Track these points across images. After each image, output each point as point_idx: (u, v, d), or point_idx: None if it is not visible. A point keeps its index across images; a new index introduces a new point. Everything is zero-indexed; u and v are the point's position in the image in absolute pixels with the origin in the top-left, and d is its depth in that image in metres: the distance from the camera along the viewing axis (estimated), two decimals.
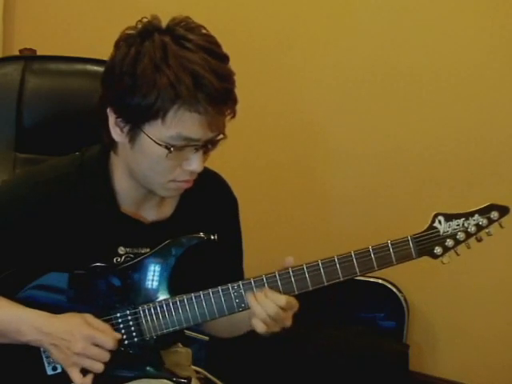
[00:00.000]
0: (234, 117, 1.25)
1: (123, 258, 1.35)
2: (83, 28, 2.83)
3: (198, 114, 1.18)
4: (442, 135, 2.47)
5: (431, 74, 2.45)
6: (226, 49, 1.25)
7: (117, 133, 1.26)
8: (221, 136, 1.25)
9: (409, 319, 2.50)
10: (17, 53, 2.63)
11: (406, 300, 2.50)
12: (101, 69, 1.69)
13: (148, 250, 1.36)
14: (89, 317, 1.29)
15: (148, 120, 1.20)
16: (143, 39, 1.20)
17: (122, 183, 1.34)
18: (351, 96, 2.58)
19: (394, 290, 2.49)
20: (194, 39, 1.20)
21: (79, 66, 1.76)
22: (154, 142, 1.21)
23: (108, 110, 1.25)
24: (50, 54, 1.81)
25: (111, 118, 1.25)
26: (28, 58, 1.82)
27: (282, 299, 1.26)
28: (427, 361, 2.61)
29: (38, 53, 2.48)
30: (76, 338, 1.25)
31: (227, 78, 1.21)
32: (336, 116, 2.61)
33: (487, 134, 2.41)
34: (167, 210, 1.41)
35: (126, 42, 1.22)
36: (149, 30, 1.21)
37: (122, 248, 1.36)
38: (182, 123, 1.19)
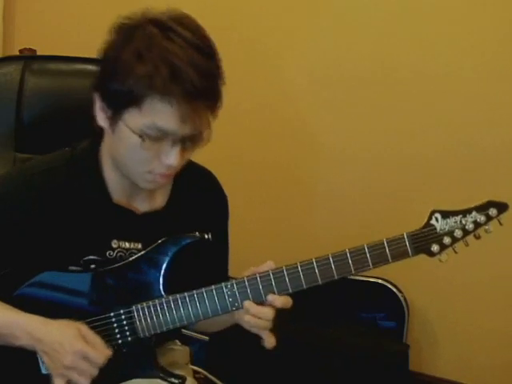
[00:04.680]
0: (214, 116, 1.25)
1: (116, 252, 1.36)
2: (83, 28, 2.84)
3: (170, 105, 1.19)
4: (437, 133, 2.48)
5: (427, 71, 2.45)
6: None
7: (101, 118, 1.27)
8: (201, 135, 1.25)
9: (409, 319, 2.50)
10: (17, 53, 2.64)
11: (406, 300, 2.50)
12: None
13: (140, 243, 1.36)
14: (83, 328, 1.28)
15: (127, 107, 1.21)
16: (133, 29, 1.22)
17: (110, 173, 1.35)
18: (343, 94, 2.58)
19: (394, 290, 2.49)
20: (182, 33, 1.20)
21: (79, 66, 1.76)
22: (130, 129, 1.22)
23: (95, 95, 1.27)
24: (49, 54, 1.81)
25: (97, 103, 1.27)
26: (28, 57, 1.82)
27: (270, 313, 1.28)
28: (427, 361, 2.61)
29: (38, 53, 2.48)
30: (66, 351, 1.24)
31: (210, 76, 1.21)
32: (328, 114, 2.62)
33: (485, 132, 2.41)
34: (159, 201, 1.41)
35: (116, 30, 1.24)
36: (140, 21, 1.23)
37: (115, 241, 1.36)
38: (156, 113, 1.20)
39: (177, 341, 1.57)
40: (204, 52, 1.21)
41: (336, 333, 2.42)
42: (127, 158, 1.27)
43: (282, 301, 1.27)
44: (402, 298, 2.49)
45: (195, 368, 1.87)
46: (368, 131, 2.57)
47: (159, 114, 1.20)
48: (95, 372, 1.26)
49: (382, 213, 2.56)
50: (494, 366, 2.51)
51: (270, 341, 1.30)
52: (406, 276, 2.36)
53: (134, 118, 1.21)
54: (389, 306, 2.50)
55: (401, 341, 2.47)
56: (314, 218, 2.70)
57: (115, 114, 1.23)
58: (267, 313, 1.28)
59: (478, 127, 2.42)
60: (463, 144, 2.43)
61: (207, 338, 2.39)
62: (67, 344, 1.25)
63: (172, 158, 1.24)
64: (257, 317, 1.27)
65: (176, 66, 1.17)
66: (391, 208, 2.55)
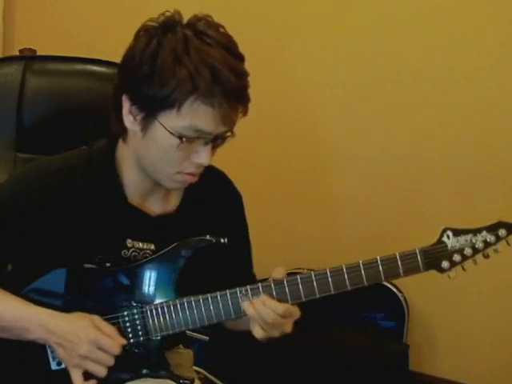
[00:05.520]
0: (245, 115, 1.27)
1: (130, 251, 1.36)
2: (83, 28, 2.83)
3: (212, 107, 1.20)
4: (449, 138, 2.48)
5: (435, 78, 2.46)
6: None
7: (129, 121, 1.27)
8: (229, 133, 1.27)
9: (409, 319, 2.50)
10: (17, 53, 2.63)
11: (406, 300, 2.50)
12: (101, 69, 1.71)
13: (153, 245, 1.37)
14: (97, 319, 1.29)
15: (163, 109, 1.22)
16: (165, 31, 1.22)
17: (129, 174, 1.35)
18: (357, 98, 2.58)
19: (394, 290, 2.49)
20: (214, 35, 1.23)
21: (79, 66, 1.75)
22: (168, 131, 1.22)
23: (123, 98, 1.26)
24: (49, 54, 1.81)
25: (126, 105, 1.26)
26: (28, 58, 1.82)
27: (280, 307, 1.26)
28: (427, 361, 2.61)
29: (38, 53, 2.48)
30: (82, 340, 1.25)
31: (243, 76, 1.24)
32: (341, 118, 2.62)
33: (494, 138, 2.41)
34: (173, 202, 1.41)
35: (147, 32, 1.24)
36: (171, 23, 1.24)
37: (129, 241, 1.36)
38: (197, 115, 1.21)
39: (180, 345, 1.57)
40: (235, 54, 1.24)
41: (336, 333, 2.42)
42: (158, 159, 1.28)
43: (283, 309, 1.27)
44: (401, 298, 2.49)
45: (196, 368, 1.86)
46: (382, 138, 2.57)
47: (200, 115, 1.21)
48: (111, 361, 1.27)
49: (391, 218, 2.56)
50: (494, 366, 2.51)
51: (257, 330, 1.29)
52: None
53: (171, 120, 1.22)
54: (389, 306, 2.50)
55: (401, 341, 2.47)
56: (324, 225, 2.69)
57: (149, 117, 1.24)
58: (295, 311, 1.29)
59: (487, 134, 2.42)
60: (471, 151, 2.44)
61: (207, 337, 2.40)
62: (82, 333, 1.26)
63: (204, 157, 1.26)
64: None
65: (215, 67, 1.19)
66: (401, 213, 2.55)
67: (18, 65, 1.71)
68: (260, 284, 1.29)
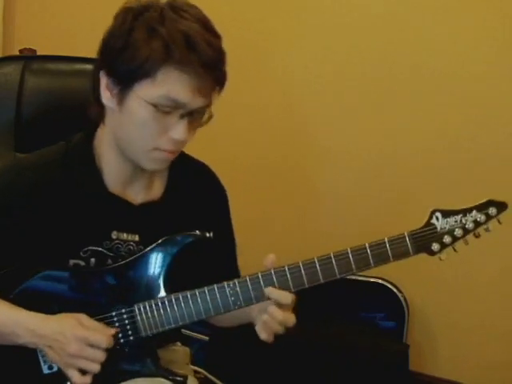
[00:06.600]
0: (220, 92, 1.27)
1: (113, 243, 1.36)
2: (83, 28, 2.83)
3: (187, 75, 1.20)
4: (437, 132, 2.48)
5: (426, 71, 2.46)
6: None
7: (106, 97, 1.27)
8: (207, 110, 1.27)
9: (409, 319, 2.50)
10: (17, 53, 2.63)
11: (406, 300, 2.50)
12: None
13: (137, 235, 1.37)
14: (83, 317, 1.28)
15: (139, 79, 1.22)
16: (141, 10, 1.24)
17: (108, 161, 1.34)
18: (343, 94, 2.58)
19: (394, 290, 2.49)
20: (191, 12, 1.24)
21: (79, 66, 1.75)
22: (143, 100, 1.22)
23: (101, 74, 1.27)
24: (49, 54, 1.81)
25: (103, 81, 1.27)
26: (28, 57, 1.82)
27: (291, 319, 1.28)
28: (427, 361, 2.61)
29: (38, 53, 2.48)
30: (69, 339, 1.25)
31: (220, 52, 1.24)
32: (327, 114, 2.62)
33: (484, 132, 2.41)
34: (156, 191, 1.41)
35: (125, 12, 1.26)
36: (150, 4, 1.25)
37: (115, 232, 1.36)
38: (172, 83, 1.21)
39: (178, 342, 1.57)
40: (211, 30, 1.24)
41: (336, 333, 2.42)
42: (134, 134, 1.27)
43: (277, 294, 1.27)
44: (401, 298, 2.49)
45: (195, 368, 1.86)
46: (368, 133, 2.57)
47: (175, 83, 1.21)
48: (103, 357, 1.27)
49: (379, 214, 2.56)
50: (493, 365, 2.51)
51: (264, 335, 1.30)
52: (406, 276, 2.36)
53: (147, 89, 1.22)
54: (389, 306, 2.50)
55: (401, 341, 2.47)
56: (311, 220, 2.70)
57: (125, 89, 1.24)
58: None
59: (477, 126, 2.42)
60: (463, 144, 2.43)
61: (207, 337, 2.40)
62: (69, 333, 1.25)
63: (180, 131, 1.25)
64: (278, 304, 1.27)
65: (191, 36, 1.19)
66: (388, 209, 2.55)
67: (17, 64, 1.71)
68: (260, 273, 1.28)
